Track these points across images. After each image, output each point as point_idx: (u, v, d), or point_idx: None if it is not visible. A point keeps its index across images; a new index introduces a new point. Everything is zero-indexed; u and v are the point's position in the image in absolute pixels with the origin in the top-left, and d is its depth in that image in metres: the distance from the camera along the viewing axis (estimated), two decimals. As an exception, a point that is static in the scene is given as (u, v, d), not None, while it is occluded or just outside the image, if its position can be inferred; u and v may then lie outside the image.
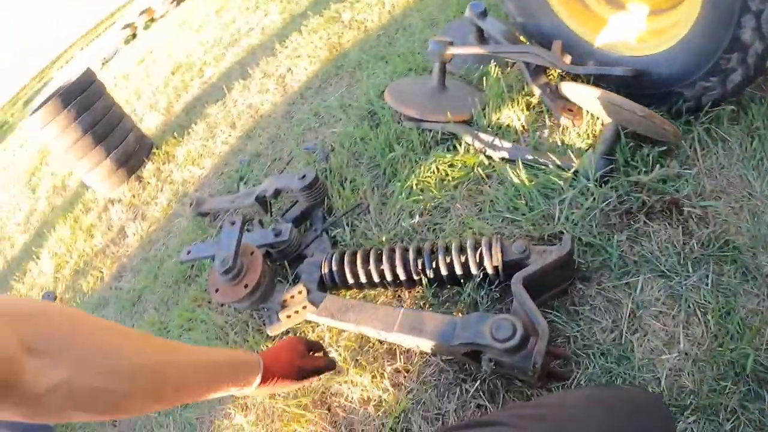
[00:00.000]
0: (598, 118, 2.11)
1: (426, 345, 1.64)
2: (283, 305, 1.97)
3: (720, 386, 1.42)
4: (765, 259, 1.69)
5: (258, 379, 1.17)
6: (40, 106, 4.18)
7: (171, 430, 2.27)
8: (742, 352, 1.44)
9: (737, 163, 1.91)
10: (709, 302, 1.63)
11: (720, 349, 1.52)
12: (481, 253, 1.75)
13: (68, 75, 4.46)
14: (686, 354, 1.55)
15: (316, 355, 1.48)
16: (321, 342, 1.66)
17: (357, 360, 1.86)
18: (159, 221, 3.74)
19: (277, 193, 2.51)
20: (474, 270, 1.76)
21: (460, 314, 1.79)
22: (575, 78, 2.21)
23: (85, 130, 4.21)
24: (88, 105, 4.23)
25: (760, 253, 1.70)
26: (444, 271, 1.80)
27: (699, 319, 1.61)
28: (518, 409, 1.16)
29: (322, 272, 2.02)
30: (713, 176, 1.90)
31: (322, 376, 1.40)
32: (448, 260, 1.80)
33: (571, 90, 2.00)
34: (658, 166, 1.88)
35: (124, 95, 7.26)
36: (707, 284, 1.65)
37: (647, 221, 1.84)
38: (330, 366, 1.48)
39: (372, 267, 1.91)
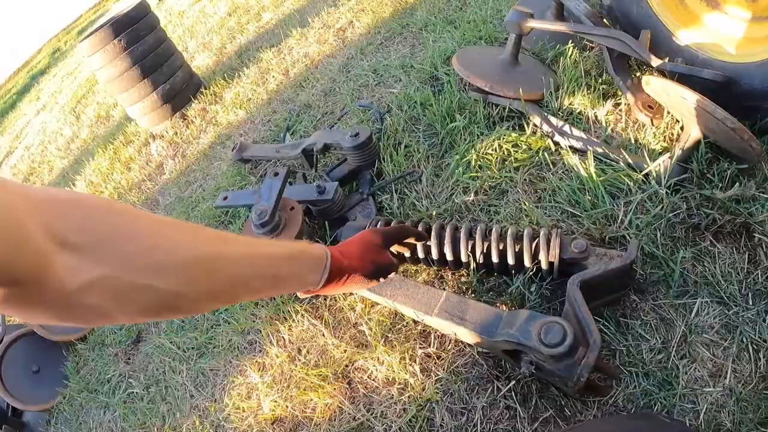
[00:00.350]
0: (677, 121, 1.96)
1: (465, 334, 1.55)
2: (318, 267, 1.88)
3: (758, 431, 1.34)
4: None
5: (325, 275, 1.06)
6: (91, 34, 4.13)
7: (184, 376, 2.24)
8: (786, 400, 1.34)
9: None
10: (764, 340, 1.54)
11: (766, 392, 1.43)
12: (537, 245, 1.64)
13: (123, 6, 4.37)
14: (731, 390, 1.46)
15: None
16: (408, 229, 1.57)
17: (387, 337, 1.77)
18: (199, 162, 3.69)
19: (325, 148, 2.40)
20: (527, 262, 1.65)
21: (504, 307, 1.68)
22: (660, 73, 2.04)
23: (134, 62, 4.15)
24: (138, 37, 4.16)
25: None
26: (495, 258, 1.69)
27: (750, 355, 1.52)
28: None
29: (363, 239, 1.92)
30: None
31: (392, 276, 1.30)
32: (501, 247, 1.68)
33: (657, 86, 1.84)
34: (736, 185, 1.75)
35: (177, 32, 7.19)
36: (765, 320, 1.56)
37: (714, 241, 1.72)
38: (406, 253, 1.41)
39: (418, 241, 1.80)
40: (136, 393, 2.38)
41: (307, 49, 4.10)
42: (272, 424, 1.84)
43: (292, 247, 1.03)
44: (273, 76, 4.04)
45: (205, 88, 4.53)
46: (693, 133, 1.80)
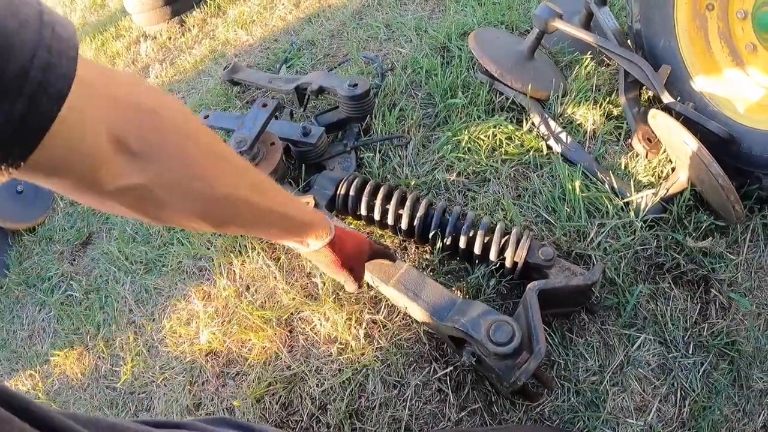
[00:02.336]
0: (671, 161, 1.97)
1: (416, 311, 1.55)
2: (285, 208, 1.84)
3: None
4: (758, 373, 1.67)
5: (320, 244, 1.17)
6: None
7: (126, 289, 2.19)
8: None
9: None
10: (693, 390, 1.61)
11: None
12: (506, 242, 1.64)
13: None
14: (651, 428, 1.53)
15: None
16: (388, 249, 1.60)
17: (338, 294, 1.75)
18: (187, 73, 3.55)
19: (320, 90, 2.33)
20: (493, 256, 1.65)
21: (459, 293, 1.68)
22: (667, 111, 2.05)
23: (143, -47, 3.92)
24: (151, -74, 3.92)
25: (757, 366, 1.69)
26: (462, 244, 1.68)
27: (677, 400, 1.59)
28: None
29: (338, 191, 1.88)
30: (749, 272, 1.84)
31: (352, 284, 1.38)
32: (471, 234, 1.68)
33: (663, 122, 1.84)
34: (710, 239, 1.80)
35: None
36: (699, 372, 1.63)
37: (672, 284, 1.77)
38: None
39: (391, 207, 1.78)
40: (75, 297, 2.32)
41: (324, -15, 3.97)
42: (206, 355, 1.81)
43: (310, 217, 1.13)
44: (283, 4, 3.88)
45: (211, -1, 4.35)
46: (682, 177, 1.83)
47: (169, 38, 4.12)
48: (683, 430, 1.54)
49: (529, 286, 1.47)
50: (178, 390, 1.80)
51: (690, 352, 1.65)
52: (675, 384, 1.60)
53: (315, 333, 1.71)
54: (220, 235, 2.05)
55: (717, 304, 1.75)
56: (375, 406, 1.56)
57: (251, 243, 1.96)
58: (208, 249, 2.04)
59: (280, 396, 1.63)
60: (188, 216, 0.79)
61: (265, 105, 1.99)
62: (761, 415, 1.61)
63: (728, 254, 1.80)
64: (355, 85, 2.17)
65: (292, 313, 1.77)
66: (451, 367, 1.58)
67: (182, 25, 4.19)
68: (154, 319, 2.02)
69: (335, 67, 2.80)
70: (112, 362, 2.03)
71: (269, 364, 1.70)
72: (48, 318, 2.37)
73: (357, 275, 1.36)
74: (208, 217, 0.81)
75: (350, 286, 1.40)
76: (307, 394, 1.61)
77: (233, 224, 0.90)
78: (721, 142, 1.89)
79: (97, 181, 0.62)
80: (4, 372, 2.36)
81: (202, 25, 4.11)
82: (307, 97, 2.45)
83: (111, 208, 0.69)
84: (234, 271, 1.95)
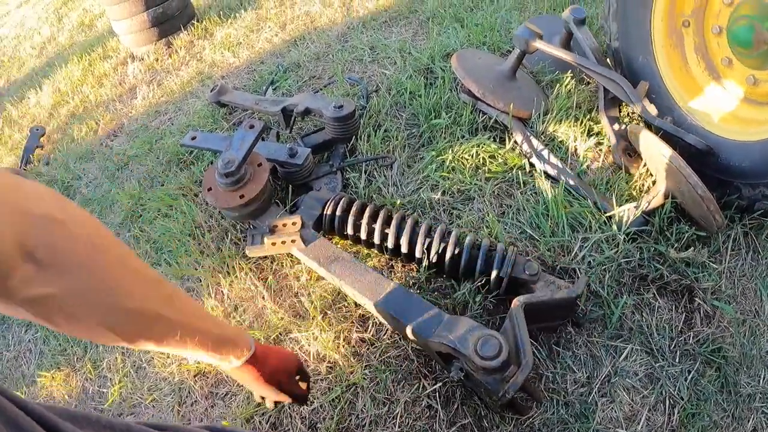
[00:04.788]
0: (652, 175, 2.01)
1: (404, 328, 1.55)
2: (272, 230, 1.86)
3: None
4: (746, 379, 1.70)
5: (239, 362, 1.10)
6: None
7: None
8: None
9: (758, 278, 1.90)
10: (681, 397, 1.62)
11: None
12: (491, 258, 1.66)
13: None
14: None
15: (300, 382, 1.36)
16: (306, 370, 1.41)
17: (326, 313, 1.76)
18: (174, 94, 3.57)
19: (306, 112, 2.36)
20: (478, 272, 1.68)
21: (446, 310, 1.70)
22: (646, 126, 2.10)
23: (132, -24, 3.96)
24: (146, -52, 3.96)
25: (744, 372, 1.72)
26: (448, 261, 1.71)
27: (666, 408, 1.60)
28: None
29: (324, 211, 1.91)
30: (732, 280, 1.88)
31: (288, 400, 1.29)
32: (456, 251, 1.70)
33: (641, 136, 1.88)
34: (692, 249, 1.83)
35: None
36: (686, 379, 1.65)
37: (657, 295, 1.80)
38: (302, 400, 1.36)
39: (377, 227, 1.80)
40: (62, 318, 2.31)
41: (310, 8, 4.01)
42: (195, 376, 1.81)
43: (228, 332, 1.08)
44: (269, 26, 3.93)
45: (198, 21, 4.37)
46: (662, 190, 1.87)
47: (157, 60, 4.15)
48: (674, 436, 1.54)
49: (514, 300, 1.50)
50: (167, 411, 1.79)
51: (677, 360, 1.67)
52: (663, 392, 1.62)
53: (304, 352, 1.72)
54: (207, 255, 2.05)
55: (701, 312, 1.78)
56: (365, 423, 1.56)
57: (239, 264, 1.97)
58: (196, 269, 2.04)
59: (270, 416, 1.63)
60: (98, 328, 0.77)
61: (252, 126, 2.01)
62: (751, 420, 1.64)
63: (711, 263, 1.84)
64: (341, 106, 2.21)
65: (280, 333, 1.77)
66: (440, 383, 1.59)
67: (169, 47, 4.22)
68: (142, 341, 2.01)
69: (321, 89, 2.83)
70: (99, 383, 2.02)
71: (258, 385, 1.70)
72: (34, 339, 2.35)
73: (288, 389, 1.27)
74: (120, 330, 0.80)
75: (279, 400, 1.31)
76: (296, 413, 1.61)
77: (146, 338, 0.86)
78: (700, 154, 1.94)
79: (6, 290, 0.63)
80: (-11, 393, 2.33)
81: (190, 47, 4.15)
82: (293, 118, 2.48)
83: (22, 316, 0.69)
84: (222, 291, 1.95)
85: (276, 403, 1.34)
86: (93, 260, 0.72)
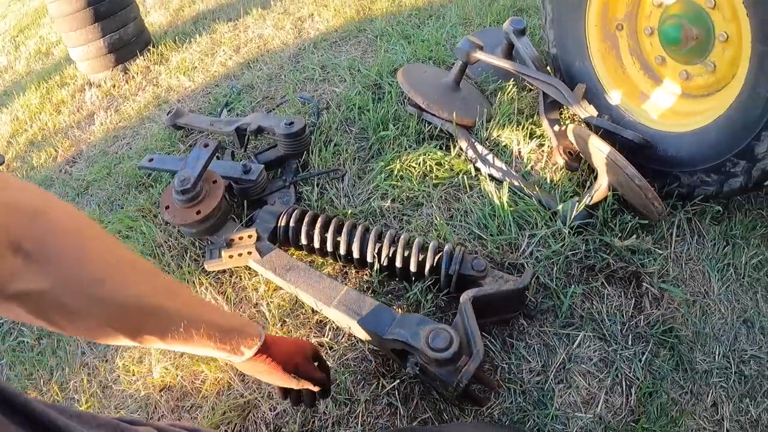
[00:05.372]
0: (593, 171, 2.10)
1: (358, 329, 1.60)
2: (229, 244, 1.90)
3: (621, 460, 1.43)
4: (700, 356, 1.75)
5: (251, 352, 1.03)
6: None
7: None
8: (652, 434, 1.45)
9: (705, 260, 1.96)
10: (637, 378, 1.67)
11: (634, 425, 1.56)
12: (440, 258, 1.73)
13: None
14: (600, 418, 1.58)
15: (318, 366, 1.30)
16: (322, 356, 1.37)
17: (285, 321, 1.81)
18: (131, 119, 3.58)
19: (259, 130, 2.42)
20: (428, 272, 1.74)
21: (400, 310, 1.75)
22: (586, 125, 2.20)
23: (90, 3, 3.96)
24: (97, -22, 3.98)
25: (698, 349, 1.76)
26: (398, 264, 1.77)
27: (623, 390, 1.65)
28: None
29: (278, 224, 1.96)
30: (679, 264, 1.95)
31: (313, 388, 1.24)
32: (405, 254, 1.76)
33: (579, 134, 1.98)
34: (634, 236, 1.91)
35: (137, -16, 6.89)
36: (641, 361, 1.70)
37: (605, 283, 1.86)
38: (324, 384, 1.27)
39: (329, 235, 1.86)
40: (27, 342, 2.28)
41: (263, 31, 4.09)
42: (160, 390, 1.82)
43: (234, 321, 1.02)
44: (223, 50, 3.99)
45: (154, 47, 4.39)
46: (603, 183, 1.95)
47: (114, 86, 4.15)
48: (633, 416, 1.59)
49: (463, 294, 1.56)
50: (134, 428, 1.80)
51: (629, 343, 1.73)
52: (619, 375, 1.66)
53: (264, 360, 1.74)
54: (168, 273, 2.07)
55: (650, 296, 1.83)
56: (328, 425, 1.59)
57: (199, 279, 2.00)
58: (157, 288, 2.06)
59: (236, 424, 1.65)
60: (97, 324, 0.74)
61: (206, 145, 2.05)
62: (709, 395, 1.67)
63: (656, 249, 1.91)
64: (291, 123, 2.28)
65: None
66: (398, 381, 1.63)
67: (126, 73, 4.23)
68: (107, 360, 2.01)
69: (273, 109, 2.90)
70: (67, 405, 2.01)
71: (222, 394, 1.72)
72: (0, 365, 2.32)
73: (306, 374, 1.20)
74: (119, 325, 0.76)
75: (311, 388, 1.25)
76: (261, 420, 1.64)
77: (149, 332, 0.82)
78: (639, 148, 2.04)
79: None
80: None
81: (146, 73, 4.16)
82: (247, 137, 2.53)
83: (15, 314, 0.67)
84: (183, 307, 1.96)
85: (298, 400, 1.29)
86: (82, 251, 0.70)
